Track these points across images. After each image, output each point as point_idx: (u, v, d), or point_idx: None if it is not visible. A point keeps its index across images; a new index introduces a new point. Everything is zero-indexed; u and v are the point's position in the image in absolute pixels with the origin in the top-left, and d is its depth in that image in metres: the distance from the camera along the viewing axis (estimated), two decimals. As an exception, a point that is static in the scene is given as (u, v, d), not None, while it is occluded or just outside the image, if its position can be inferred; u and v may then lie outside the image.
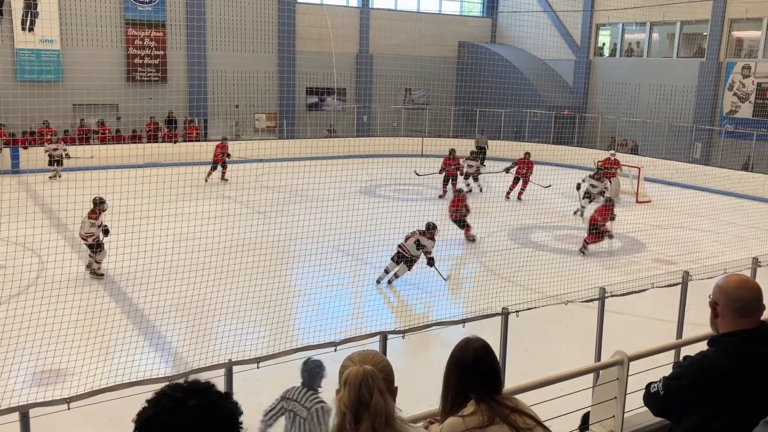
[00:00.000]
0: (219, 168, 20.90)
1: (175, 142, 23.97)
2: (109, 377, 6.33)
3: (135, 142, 22.89)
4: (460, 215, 14.68)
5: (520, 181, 19.88)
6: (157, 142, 23.16)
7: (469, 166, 20.65)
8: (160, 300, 8.67)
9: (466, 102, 27.48)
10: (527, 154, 20.21)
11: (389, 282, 11.73)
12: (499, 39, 32.98)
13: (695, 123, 25.27)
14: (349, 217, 12.07)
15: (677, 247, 14.42)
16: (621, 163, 20.57)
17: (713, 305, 2.72)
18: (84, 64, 22.70)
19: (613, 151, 21.36)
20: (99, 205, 11.53)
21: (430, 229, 11.86)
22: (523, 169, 19.90)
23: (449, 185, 19.61)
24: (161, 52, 25.51)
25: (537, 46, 29.83)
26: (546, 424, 2.67)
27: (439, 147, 26.00)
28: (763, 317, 2.75)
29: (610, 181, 19.97)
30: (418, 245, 11.67)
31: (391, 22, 30.08)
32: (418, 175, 18.96)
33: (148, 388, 1.64)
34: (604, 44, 30.40)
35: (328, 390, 5.07)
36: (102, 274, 11.38)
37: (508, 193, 19.90)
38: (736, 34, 25.60)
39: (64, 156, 20.71)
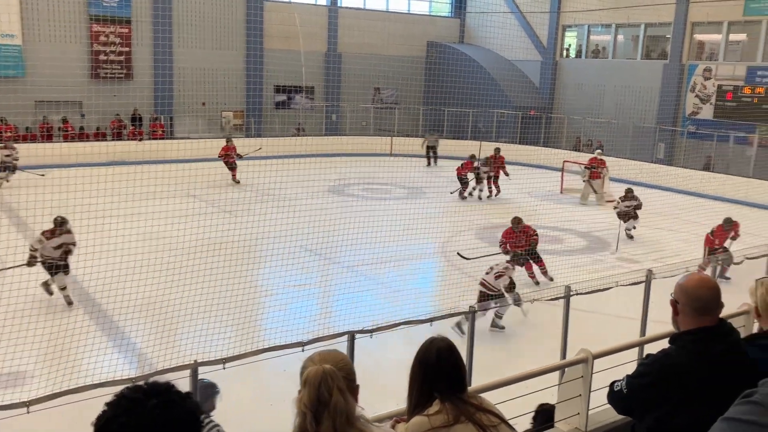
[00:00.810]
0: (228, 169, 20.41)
1: (141, 140, 23.63)
2: (71, 379, 6.21)
3: (99, 140, 22.52)
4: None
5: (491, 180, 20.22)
6: (122, 140, 22.83)
7: (484, 171, 20.45)
8: (125, 300, 8.54)
9: (435, 102, 27.59)
10: (497, 149, 20.40)
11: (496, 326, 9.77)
12: (467, 39, 33.17)
13: (658, 124, 25.74)
14: (318, 216, 12.05)
15: (641, 246, 14.67)
16: (596, 161, 20.75)
17: (674, 304, 2.77)
18: (47, 60, 22.27)
19: (599, 151, 21.61)
20: (59, 226, 9.88)
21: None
22: (495, 165, 20.26)
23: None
24: (126, 49, 25.13)
25: (504, 46, 30.08)
26: (511, 422, 2.69)
27: (408, 147, 26.09)
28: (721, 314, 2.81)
29: (594, 180, 20.25)
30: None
31: (359, 21, 30.05)
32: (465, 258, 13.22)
33: (111, 390, 1.60)
34: (570, 45, 30.79)
35: (225, 411, 5.01)
36: (71, 303, 9.89)
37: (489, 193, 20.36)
38: (698, 37, 26.14)
39: (12, 164, 18.88)
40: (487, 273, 9.99)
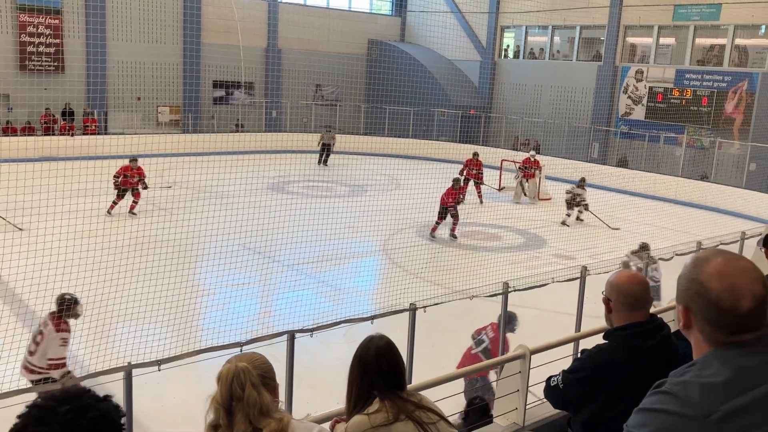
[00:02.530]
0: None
1: (73, 135, 22.84)
2: (-5, 385, 5.94)
3: (28, 135, 21.66)
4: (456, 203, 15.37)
5: (471, 183, 19.72)
6: (52, 134, 22.02)
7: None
8: (54, 301, 8.22)
9: (376, 99, 27.63)
10: (475, 154, 20.25)
11: None
12: (408, 38, 33.35)
13: (593, 124, 26.47)
14: (258, 214, 11.89)
15: (576, 243, 15.04)
16: (530, 162, 21.10)
17: (606, 301, 2.84)
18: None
19: (533, 152, 22.02)
20: (72, 307, 6.72)
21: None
22: (473, 170, 19.91)
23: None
24: (57, 41, 24.23)
25: (444, 46, 30.37)
26: (451, 419, 2.71)
27: (350, 144, 26.04)
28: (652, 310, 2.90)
29: (527, 180, 20.60)
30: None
31: (300, 17, 29.80)
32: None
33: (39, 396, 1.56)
34: (508, 46, 31.31)
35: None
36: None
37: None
38: (631, 39, 26.99)
39: None
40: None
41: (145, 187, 15.98)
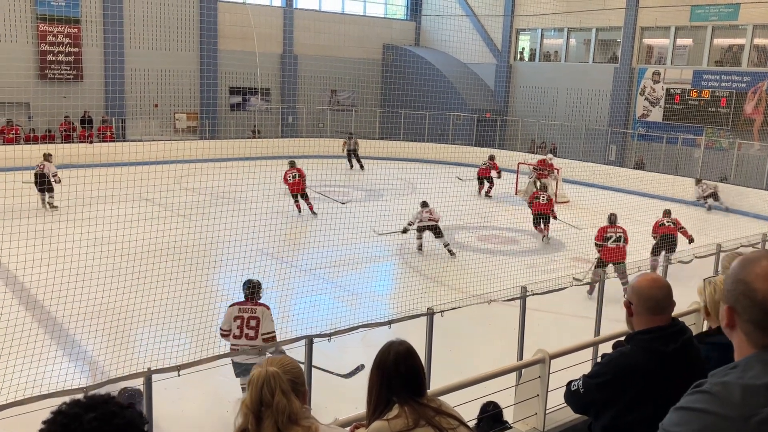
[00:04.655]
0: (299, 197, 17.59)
1: (91, 142, 23.07)
2: (17, 390, 6.01)
3: (48, 143, 21.90)
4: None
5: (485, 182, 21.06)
6: (72, 142, 22.27)
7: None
8: (76, 307, 8.32)
9: (392, 104, 27.67)
10: (491, 156, 20.84)
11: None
12: (422, 42, 33.36)
13: (610, 126, 26.30)
14: (275, 219, 11.94)
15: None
16: (548, 165, 21.24)
17: (628, 305, 2.82)
18: (-8, 60, 21.61)
19: (550, 155, 22.09)
20: (260, 289, 7.39)
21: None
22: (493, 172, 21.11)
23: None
24: (76, 49, 24.53)
25: (460, 49, 30.35)
26: (470, 424, 2.70)
27: (366, 149, 26.11)
28: (673, 313, 2.88)
29: (540, 181, 20.72)
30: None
31: (315, 23, 29.94)
32: (460, 180, 19.20)
33: (61, 401, 1.57)
34: (523, 49, 31.22)
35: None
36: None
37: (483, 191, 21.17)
38: (647, 41, 26.81)
39: None
40: (428, 212, 14.10)
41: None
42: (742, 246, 10.29)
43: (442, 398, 2.80)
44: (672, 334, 2.74)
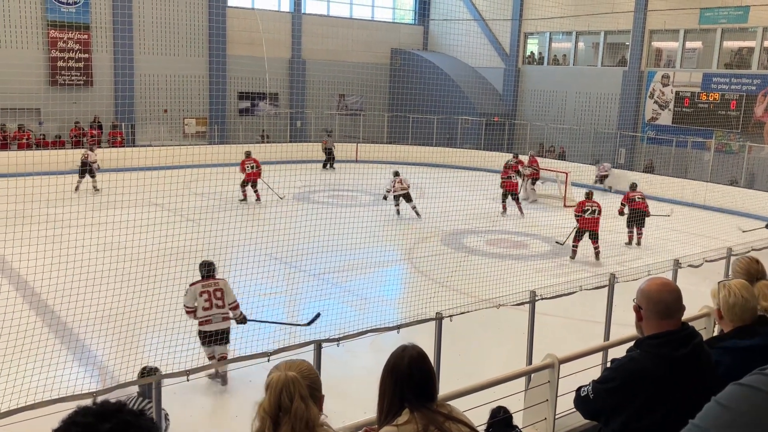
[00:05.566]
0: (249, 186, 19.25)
1: (91, 148, 22.99)
2: (28, 395, 6.04)
3: (59, 148, 22.05)
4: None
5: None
6: (82, 148, 22.38)
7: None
8: (86, 312, 8.35)
9: (400, 108, 27.70)
10: (526, 155, 22.18)
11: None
12: (430, 46, 33.39)
13: (619, 130, 26.21)
14: (283, 223, 11.96)
15: (603, 249, 14.88)
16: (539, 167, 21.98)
17: (637, 309, 2.80)
18: (2, 66, 21.76)
19: (531, 153, 23.10)
20: (215, 268, 8.56)
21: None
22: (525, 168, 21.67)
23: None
24: (86, 55, 24.68)
25: (468, 53, 30.36)
26: (480, 429, 2.69)
27: (374, 153, 26.07)
28: (683, 318, 2.86)
29: (535, 180, 21.31)
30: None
31: (323, 28, 30.02)
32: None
33: (71, 406, 1.54)
34: (532, 53, 31.19)
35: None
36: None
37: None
38: (656, 44, 26.72)
39: None
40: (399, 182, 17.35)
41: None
42: (753, 250, 10.21)
43: (451, 403, 2.79)
44: (682, 338, 2.72)
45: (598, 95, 27.54)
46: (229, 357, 7.95)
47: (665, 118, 25.81)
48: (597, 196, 15.68)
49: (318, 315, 8.61)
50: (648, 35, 26.38)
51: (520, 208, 18.98)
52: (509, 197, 18.89)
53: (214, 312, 7.97)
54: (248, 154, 19.55)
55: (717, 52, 24.55)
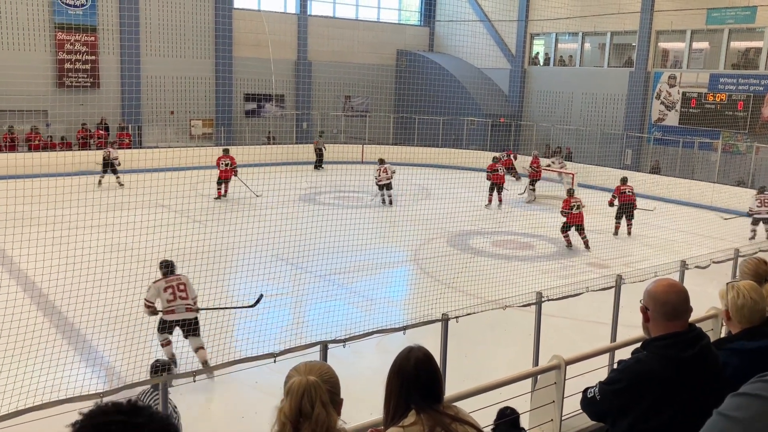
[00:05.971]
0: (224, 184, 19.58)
1: (99, 147, 23.03)
2: (35, 395, 6.07)
3: (66, 150, 22.13)
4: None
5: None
6: (89, 149, 22.48)
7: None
8: (92, 313, 8.38)
9: (406, 110, 27.70)
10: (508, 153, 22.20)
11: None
12: (436, 48, 33.38)
13: (626, 130, 26.14)
14: (290, 225, 11.97)
15: (610, 251, 14.84)
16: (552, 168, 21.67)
17: (644, 310, 2.79)
18: (10, 68, 21.85)
19: (535, 152, 23.20)
20: (175, 266, 8.94)
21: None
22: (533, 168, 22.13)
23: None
24: (93, 57, 24.78)
25: (474, 55, 30.33)
26: (486, 430, 2.69)
27: (380, 154, 26.07)
28: (690, 319, 2.85)
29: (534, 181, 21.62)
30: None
31: (329, 30, 30.06)
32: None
33: (79, 406, 1.54)
34: (538, 54, 31.15)
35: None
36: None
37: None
38: (663, 45, 26.64)
39: None
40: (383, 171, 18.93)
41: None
42: (761, 251, 10.18)
43: (457, 404, 2.78)
44: (689, 340, 2.71)
45: (604, 96, 27.47)
46: (235, 358, 7.96)
47: (672, 119, 25.73)
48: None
49: (261, 296, 9.18)
50: (654, 36, 26.30)
51: (500, 199, 19.86)
52: (495, 190, 19.78)
53: (178, 303, 8.34)
54: (226, 152, 20.02)
55: (724, 53, 24.46)
